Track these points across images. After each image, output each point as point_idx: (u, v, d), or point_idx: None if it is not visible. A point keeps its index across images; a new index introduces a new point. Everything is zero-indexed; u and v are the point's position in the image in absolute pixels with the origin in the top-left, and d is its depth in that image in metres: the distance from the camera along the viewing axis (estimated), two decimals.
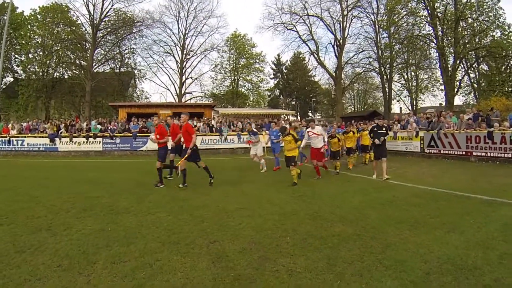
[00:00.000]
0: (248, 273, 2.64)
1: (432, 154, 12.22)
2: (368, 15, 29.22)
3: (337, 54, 30.23)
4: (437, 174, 8.20)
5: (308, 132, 7.90)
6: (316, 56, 31.05)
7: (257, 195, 5.85)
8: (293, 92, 44.06)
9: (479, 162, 10.37)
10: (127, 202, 5.21)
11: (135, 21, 29.07)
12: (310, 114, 44.52)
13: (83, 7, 27.13)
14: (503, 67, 24.43)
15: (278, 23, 31.03)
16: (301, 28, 30.99)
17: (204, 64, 59.72)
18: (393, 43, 27.41)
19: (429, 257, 2.89)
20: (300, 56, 39.18)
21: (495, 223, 3.87)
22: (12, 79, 29.18)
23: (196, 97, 35.17)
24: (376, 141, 7.35)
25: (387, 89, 29.51)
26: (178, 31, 32.50)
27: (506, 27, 22.84)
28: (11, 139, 15.60)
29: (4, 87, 28.51)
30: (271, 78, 41.72)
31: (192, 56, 33.56)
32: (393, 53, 27.87)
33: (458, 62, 24.15)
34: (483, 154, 10.50)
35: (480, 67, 26.19)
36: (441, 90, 27.27)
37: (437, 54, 25.53)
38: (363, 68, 31.79)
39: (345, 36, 29.63)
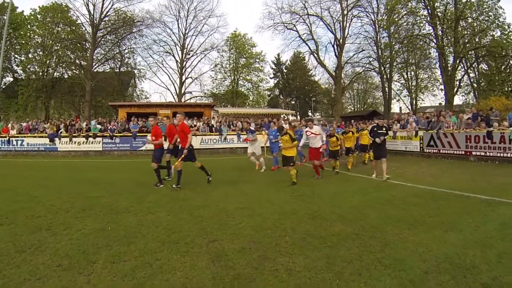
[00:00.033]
0: (248, 272, 2.66)
1: (432, 154, 12.23)
2: (368, 15, 29.27)
3: (337, 54, 30.25)
4: (436, 174, 8.21)
5: (306, 131, 7.86)
6: (316, 55, 31.09)
7: (256, 194, 5.86)
8: (293, 91, 44.07)
9: (478, 162, 10.38)
10: (127, 202, 5.22)
11: (135, 21, 29.09)
12: (310, 113, 44.52)
13: (83, 7, 27.20)
14: (502, 67, 24.46)
15: (278, 23, 31.09)
16: (301, 27, 31.05)
17: (204, 63, 59.79)
18: (393, 43, 27.42)
19: (427, 256, 2.90)
20: (300, 55, 39.23)
21: (494, 222, 3.89)
22: (11, 79, 29.22)
23: (196, 96, 35.24)
24: (378, 140, 7.32)
25: (386, 88, 29.53)
26: (178, 31, 32.56)
27: (506, 27, 22.87)
28: (10, 139, 15.60)
29: (3, 87, 28.55)
30: (271, 78, 41.80)
31: (192, 56, 33.63)
32: (393, 52, 27.89)
33: (458, 61, 24.17)
34: (483, 153, 10.51)
35: (480, 66, 26.24)
36: (441, 89, 27.33)
37: (437, 53, 25.56)
38: (363, 68, 31.85)
39: (345, 35, 29.65)
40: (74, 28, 27.22)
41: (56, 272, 2.66)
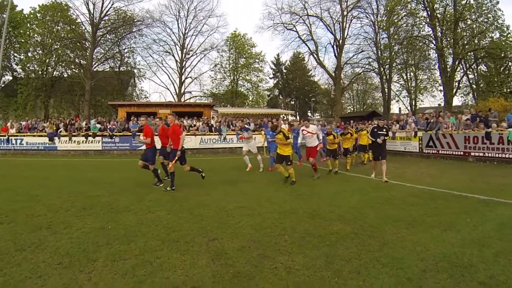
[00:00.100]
0: (247, 270, 2.68)
1: (431, 154, 12.28)
2: (367, 16, 29.34)
3: (336, 54, 30.31)
4: (435, 174, 8.24)
5: (302, 130, 7.82)
6: (315, 56, 31.15)
7: (256, 194, 5.89)
8: (292, 92, 44.09)
9: (477, 162, 10.43)
10: (127, 201, 5.23)
11: (135, 20, 29.09)
12: (309, 114, 44.55)
13: (83, 6, 27.16)
14: (501, 68, 24.55)
15: (278, 23, 31.13)
16: (301, 28, 31.10)
17: (204, 63, 59.49)
18: (393, 44, 27.50)
19: (425, 255, 2.93)
20: (300, 56, 39.24)
21: (492, 222, 3.92)
22: (11, 78, 29.14)
23: (196, 96, 35.25)
24: (379, 140, 7.29)
25: (386, 89, 29.60)
26: (178, 31, 32.56)
27: (505, 29, 23.00)
28: (10, 138, 15.59)
29: (3, 85, 28.52)
30: (270, 78, 41.80)
31: (191, 56, 33.63)
32: (393, 53, 27.96)
33: (457, 63, 24.25)
34: (481, 154, 10.56)
35: (479, 68, 26.32)
36: (440, 90, 27.37)
37: (436, 54, 25.64)
38: (363, 69, 31.91)
39: (345, 36, 29.71)
40: (73, 27, 27.19)
41: (57, 270, 2.67)
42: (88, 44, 27.86)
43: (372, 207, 4.75)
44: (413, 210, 4.55)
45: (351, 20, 29.76)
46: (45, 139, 15.55)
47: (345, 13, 29.10)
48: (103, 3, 27.01)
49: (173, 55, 32.99)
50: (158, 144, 7.09)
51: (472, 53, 24.39)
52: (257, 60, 36.43)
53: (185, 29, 32.42)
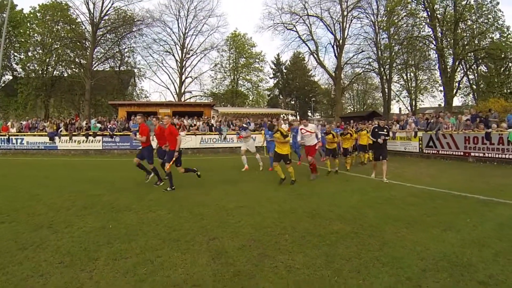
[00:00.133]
0: (248, 269, 2.69)
1: (431, 155, 12.30)
2: (368, 16, 29.37)
3: (336, 54, 30.33)
4: (435, 174, 8.26)
5: (301, 129, 7.78)
6: (315, 56, 31.18)
7: (256, 193, 5.90)
8: (292, 91, 44.09)
9: (476, 163, 10.45)
10: (127, 200, 5.25)
11: (135, 20, 29.10)
12: (309, 114, 44.56)
13: (83, 6, 27.21)
14: (502, 69, 24.57)
15: (278, 23, 31.16)
16: (301, 28, 31.12)
17: (204, 63, 59.63)
18: (393, 44, 27.52)
19: (425, 255, 2.94)
20: (300, 56, 39.25)
21: (491, 222, 3.93)
22: (11, 77, 29.13)
23: (196, 96, 35.26)
24: (379, 140, 7.27)
25: (386, 89, 29.62)
26: (178, 30, 32.58)
27: (505, 29, 23.00)
28: (10, 137, 15.60)
29: (3, 85, 28.51)
30: (270, 78, 41.82)
31: (192, 55, 33.67)
32: (393, 53, 27.98)
33: (457, 63, 24.27)
34: (481, 154, 10.58)
35: (479, 68, 26.33)
36: (440, 91, 27.41)
37: (436, 55, 25.66)
38: (363, 69, 31.94)
39: (345, 36, 29.74)
40: (74, 26, 27.19)
41: (58, 268, 2.69)
42: (88, 43, 27.87)
43: (372, 207, 4.77)
44: (412, 210, 4.56)
45: (351, 20, 29.83)
46: (45, 138, 15.58)
47: (345, 13, 29.13)
48: (103, 3, 27.06)
49: (173, 55, 33.06)
50: (154, 143, 7.08)
51: (472, 53, 24.41)
52: (257, 60, 36.46)
53: (185, 29, 32.49)
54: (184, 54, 32.98)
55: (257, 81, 37.34)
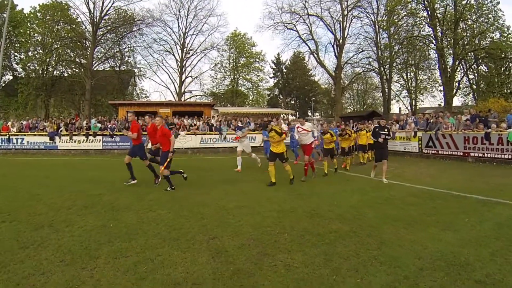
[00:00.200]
0: (247, 267, 2.72)
1: (430, 155, 12.31)
2: (368, 15, 29.40)
3: (336, 54, 30.35)
4: (434, 174, 8.27)
5: (297, 127, 7.73)
6: (315, 55, 31.21)
7: (256, 193, 5.92)
8: (292, 91, 44.12)
9: (476, 163, 10.46)
10: (127, 199, 5.27)
11: (135, 20, 29.14)
12: (309, 113, 44.59)
13: (83, 5, 27.27)
14: (502, 69, 24.56)
15: (278, 23, 31.19)
16: (301, 27, 31.15)
17: (204, 63, 59.75)
18: (393, 44, 27.53)
19: (423, 254, 2.97)
20: (300, 55, 39.29)
21: (489, 222, 3.95)
22: (11, 77, 29.19)
23: (196, 96, 35.31)
24: (380, 139, 7.23)
25: (386, 89, 29.63)
26: (178, 30, 32.63)
27: (505, 29, 23.00)
28: (10, 137, 15.63)
29: (3, 85, 28.54)
30: (270, 77, 41.87)
31: (192, 55, 33.72)
32: (393, 53, 28.00)
33: (457, 63, 24.28)
34: (480, 154, 10.59)
35: (479, 68, 26.33)
36: (440, 91, 27.42)
37: (436, 55, 25.67)
38: (363, 68, 31.99)
39: (345, 36, 29.76)
40: (74, 26, 27.22)
41: (59, 267, 2.71)
42: (89, 43, 27.91)
43: (371, 207, 4.79)
44: (412, 210, 4.58)
45: (352, 20, 29.86)
46: (45, 138, 15.59)
47: (345, 12, 29.15)
48: (103, 3, 27.11)
49: (173, 54, 33.11)
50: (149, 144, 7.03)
51: (472, 53, 24.42)
52: (257, 60, 36.50)
53: (186, 28, 32.53)
54: (184, 54, 33.04)
55: (257, 81, 37.41)
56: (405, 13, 26.19)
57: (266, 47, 79.30)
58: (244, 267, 2.73)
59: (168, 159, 6.06)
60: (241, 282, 2.48)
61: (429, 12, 24.52)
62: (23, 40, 27.03)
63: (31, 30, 27.35)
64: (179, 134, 15.78)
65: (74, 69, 28.87)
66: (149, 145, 7.13)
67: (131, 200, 5.21)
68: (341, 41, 29.67)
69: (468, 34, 24.07)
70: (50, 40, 26.70)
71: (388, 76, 29.44)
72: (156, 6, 64.69)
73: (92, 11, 26.89)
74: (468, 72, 26.30)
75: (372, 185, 6.73)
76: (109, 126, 16.36)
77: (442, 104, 26.37)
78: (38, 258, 2.88)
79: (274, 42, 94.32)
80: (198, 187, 6.42)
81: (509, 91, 23.74)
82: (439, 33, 24.38)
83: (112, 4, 27.51)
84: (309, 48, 31.55)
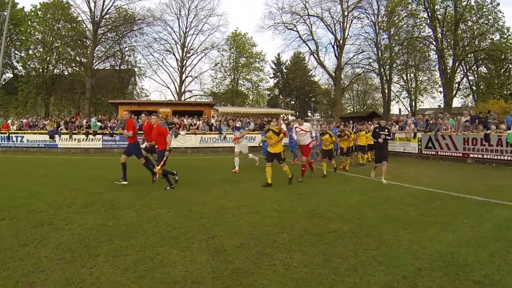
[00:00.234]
0: (246, 266, 2.73)
1: (430, 156, 12.33)
2: (368, 16, 29.44)
3: (337, 55, 30.38)
4: (434, 175, 8.29)
5: (295, 128, 7.70)
6: (316, 56, 31.23)
7: (256, 193, 5.93)
8: (292, 91, 44.13)
9: (475, 164, 10.47)
10: (127, 198, 5.27)
11: (136, 19, 29.14)
12: (309, 114, 44.60)
13: (84, 4, 27.35)
14: (502, 70, 24.58)
15: (278, 23, 31.21)
16: (302, 28, 31.17)
17: (204, 62, 59.76)
18: (393, 45, 27.57)
19: (421, 254, 2.98)
20: (300, 56, 39.31)
21: (488, 223, 3.96)
22: (11, 75, 29.18)
23: (196, 95, 35.32)
24: (380, 140, 7.21)
25: (386, 90, 29.66)
26: (179, 29, 32.65)
27: (505, 31, 23.02)
28: (10, 135, 15.63)
29: (3, 83, 28.51)
30: (270, 78, 41.88)
31: (192, 55, 33.75)
32: (393, 54, 28.04)
33: (457, 64, 24.30)
34: (480, 156, 10.60)
35: (479, 69, 26.35)
36: (440, 92, 27.44)
37: (436, 56, 25.69)
38: (363, 69, 32.01)
39: (345, 36, 29.78)
40: (74, 25, 27.23)
41: (59, 265, 2.72)
42: (89, 42, 27.91)
43: (370, 207, 4.80)
44: (411, 211, 4.59)
45: (352, 21, 29.90)
46: (45, 136, 15.60)
47: (345, 13, 29.17)
48: (104, 1, 27.13)
49: (173, 54, 33.12)
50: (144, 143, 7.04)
51: (472, 54, 24.43)
52: (257, 60, 36.53)
53: (186, 28, 32.55)
54: (184, 53, 33.06)
55: (257, 81, 37.44)
56: (405, 14, 26.22)
57: (266, 47, 79.44)
58: (243, 266, 2.74)
59: (165, 158, 6.06)
60: (240, 281, 2.49)
61: (429, 13, 24.54)
62: (23, 38, 27.04)
63: (31, 28, 27.36)
64: (179, 134, 15.81)
65: (75, 68, 28.88)
66: (144, 144, 7.14)
67: (131, 199, 5.21)
68: (341, 41, 29.70)
69: (468, 35, 24.09)
70: (51, 38, 26.71)
71: (388, 77, 29.47)
72: (156, 5, 64.73)
73: (93, 10, 26.95)
74: (468, 74, 26.33)
75: (371, 186, 6.74)
76: (109, 125, 16.36)
77: (442, 105, 26.39)
78: (37, 256, 2.88)
79: (275, 42, 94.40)
80: (197, 187, 6.43)
81: (508, 92, 23.75)
82: (439, 34, 24.40)
83: (113, 3, 27.59)
84: (310, 49, 31.63)
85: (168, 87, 34.22)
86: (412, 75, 30.31)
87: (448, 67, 24.58)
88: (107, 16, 27.93)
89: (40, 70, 26.93)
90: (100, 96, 28.73)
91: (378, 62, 29.42)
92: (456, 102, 27.97)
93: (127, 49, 30.24)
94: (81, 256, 2.89)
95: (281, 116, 22.91)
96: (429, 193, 5.92)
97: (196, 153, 15.55)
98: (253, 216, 4.26)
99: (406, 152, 13.43)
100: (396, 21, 26.47)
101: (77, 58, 28.53)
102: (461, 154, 11.21)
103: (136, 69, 31.77)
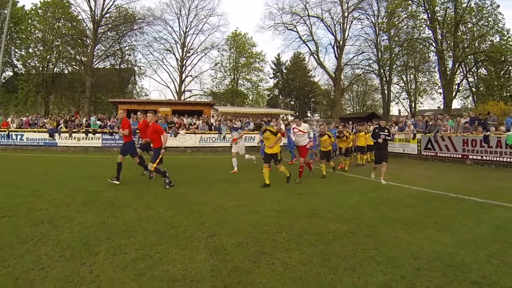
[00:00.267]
0: (245, 265, 2.74)
1: (429, 157, 12.35)
2: (368, 17, 29.48)
3: (337, 55, 30.41)
4: (433, 176, 8.30)
5: (293, 128, 7.67)
6: (316, 56, 31.26)
7: (256, 193, 5.93)
8: (292, 92, 44.14)
9: (474, 165, 10.50)
10: (127, 197, 5.28)
11: (136, 18, 29.12)
12: (309, 114, 44.63)
13: (84, 3, 27.34)
14: (501, 72, 24.62)
15: (278, 23, 31.24)
16: (302, 28, 31.21)
17: (204, 62, 59.84)
18: (393, 46, 27.60)
19: (419, 254, 2.99)
20: (300, 56, 39.32)
21: (487, 224, 3.98)
22: (12, 74, 29.14)
23: (196, 95, 35.31)
24: (380, 140, 7.19)
25: (386, 91, 29.69)
26: (179, 29, 32.63)
27: (505, 33, 23.04)
28: (10, 133, 15.62)
29: (3, 81, 28.46)
30: (270, 78, 41.88)
31: (192, 54, 33.72)
32: (393, 55, 28.07)
33: (457, 66, 24.32)
34: (479, 157, 10.63)
35: (479, 71, 26.39)
36: (440, 93, 27.48)
37: (436, 57, 25.70)
38: (363, 70, 32.04)
39: (345, 37, 29.81)
40: (75, 24, 27.21)
41: (59, 262, 2.73)
42: (89, 41, 27.88)
43: (369, 207, 4.81)
44: (409, 211, 4.61)
45: (352, 21, 29.94)
46: (45, 135, 15.60)
47: (346, 14, 29.20)
48: (104, 0, 27.07)
49: (173, 54, 33.11)
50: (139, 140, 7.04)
51: (472, 56, 24.46)
52: (257, 60, 36.52)
53: (186, 28, 32.54)
54: (184, 53, 33.04)
55: (257, 81, 37.44)
56: (405, 15, 26.25)
57: (266, 47, 79.41)
58: (242, 265, 2.75)
59: (160, 156, 6.07)
60: (239, 279, 2.50)
61: (429, 15, 24.56)
62: (23, 36, 27.00)
63: (32, 27, 27.33)
64: (179, 133, 15.81)
65: (75, 67, 28.85)
66: (140, 141, 7.13)
67: (130, 198, 5.22)
68: (341, 42, 29.73)
69: (468, 37, 24.11)
70: (51, 37, 26.67)
71: (388, 78, 29.50)
72: (157, 5, 64.65)
73: (93, 9, 26.91)
74: (468, 75, 26.37)
75: (371, 186, 6.75)
76: (108, 124, 16.36)
77: (442, 107, 26.42)
78: (37, 253, 2.89)
79: (275, 42, 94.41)
80: (197, 186, 6.44)
81: (508, 94, 23.79)
82: (439, 36, 24.42)
83: (113, 2, 27.55)
84: (309, 49, 31.67)
85: (168, 87, 34.26)
86: (412, 76, 30.38)
87: (448, 69, 24.61)
88: (107, 15, 27.92)
89: (40, 69, 26.91)
90: (100, 95, 28.72)
91: (378, 63, 29.46)
92: (456, 104, 28.07)
93: (127, 48, 30.28)
94: (81, 254, 2.90)
95: (281, 116, 22.91)
96: (428, 194, 5.94)
97: (196, 153, 15.55)
98: (252, 216, 4.27)
99: (405, 153, 13.46)
100: (396, 22, 26.50)
101: (77, 57, 28.50)
102: (460, 156, 11.24)
103: (136, 68, 31.77)
